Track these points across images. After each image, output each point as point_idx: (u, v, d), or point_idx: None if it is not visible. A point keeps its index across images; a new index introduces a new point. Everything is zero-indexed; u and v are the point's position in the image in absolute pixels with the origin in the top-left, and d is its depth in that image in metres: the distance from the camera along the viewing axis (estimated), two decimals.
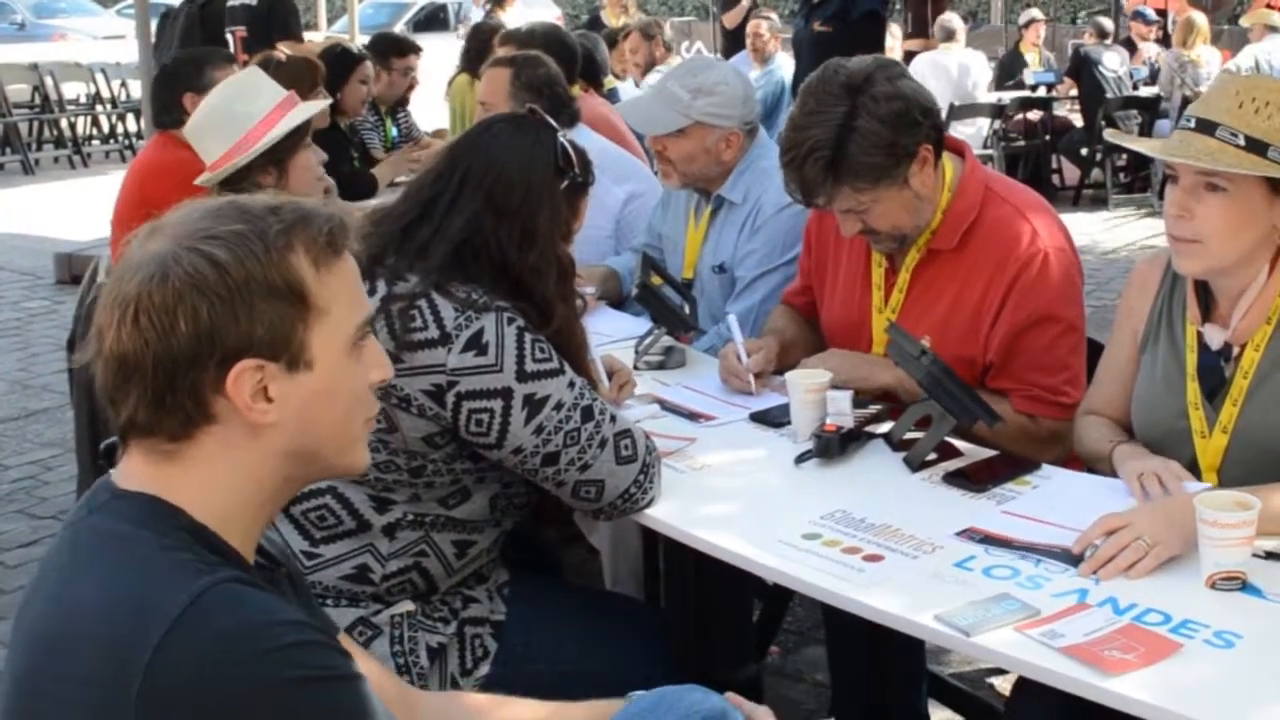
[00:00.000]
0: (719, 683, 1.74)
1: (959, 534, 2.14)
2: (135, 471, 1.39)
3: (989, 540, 2.11)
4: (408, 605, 2.27)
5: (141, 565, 1.31)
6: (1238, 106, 2.17)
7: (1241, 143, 2.15)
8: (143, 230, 1.39)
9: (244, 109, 3.34)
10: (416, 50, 6.63)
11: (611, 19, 10.56)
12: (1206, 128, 2.18)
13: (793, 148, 2.59)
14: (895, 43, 10.21)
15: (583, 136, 3.92)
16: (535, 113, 2.43)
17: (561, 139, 2.35)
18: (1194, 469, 2.29)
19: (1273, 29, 10.77)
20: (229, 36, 7.99)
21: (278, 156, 3.32)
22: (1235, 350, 2.31)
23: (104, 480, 1.42)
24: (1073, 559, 2.04)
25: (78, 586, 1.33)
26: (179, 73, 4.33)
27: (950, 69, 10.08)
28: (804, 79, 2.71)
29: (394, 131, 6.56)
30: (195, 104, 4.11)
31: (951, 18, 10.60)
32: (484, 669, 2.29)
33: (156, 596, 1.26)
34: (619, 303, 3.69)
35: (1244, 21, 11.75)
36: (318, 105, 3.63)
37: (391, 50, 6.48)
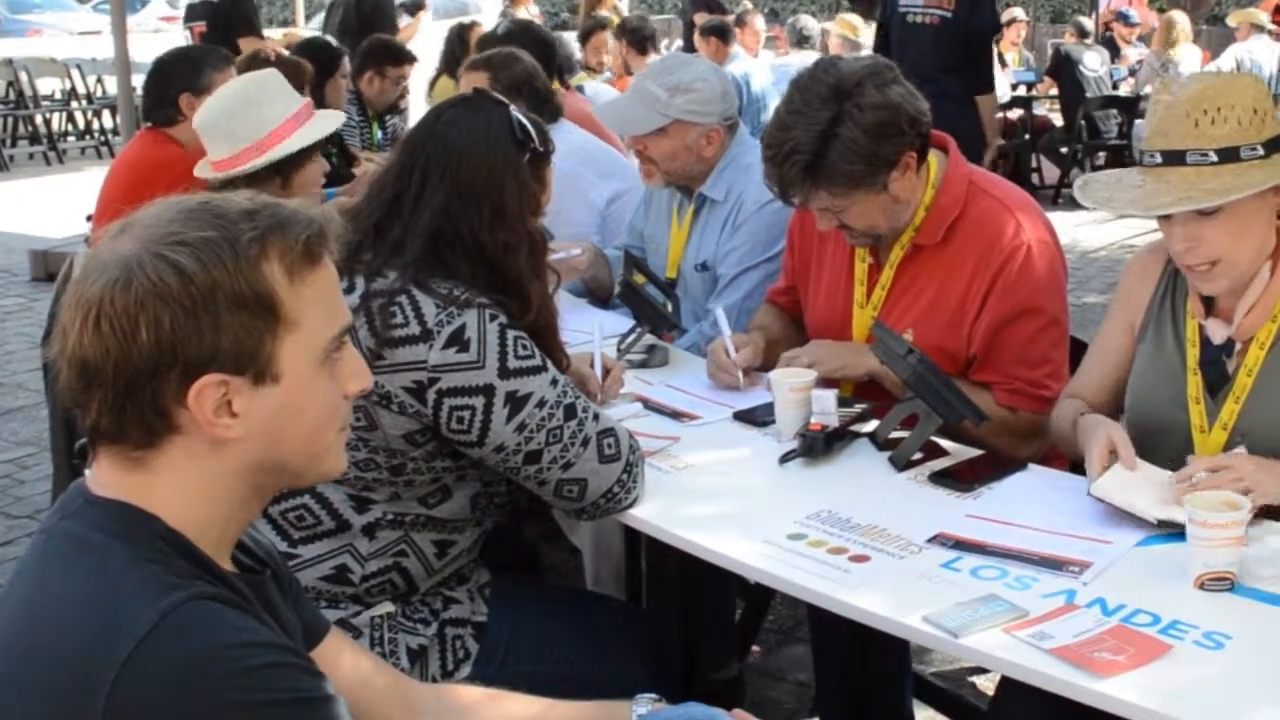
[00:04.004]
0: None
1: (929, 540, 2.11)
2: (107, 478, 1.35)
3: (961, 546, 2.09)
4: (387, 606, 2.24)
5: (111, 577, 1.27)
6: (1194, 126, 2.17)
7: (1214, 159, 2.15)
8: (113, 227, 1.34)
9: (257, 115, 3.28)
10: (412, 60, 6.65)
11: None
12: (1175, 158, 2.18)
13: (774, 145, 2.58)
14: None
15: (565, 132, 3.88)
16: (483, 91, 2.41)
17: (514, 112, 2.33)
18: None
19: (1258, 28, 10.81)
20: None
21: (285, 169, 3.27)
22: (1238, 346, 2.30)
23: (78, 484, 1.39)
24: (1044, 562, 2.02)
25: (47, 596, 1.29)
26: (176, 71, 4.21)
27: None
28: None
29: (379, 135, 6.53)
30: (192, 105, 4.02)
31: None
32: (465, 671, 2.26)
33: (125, 611, 1.23)
34: (606, 298, 3.61)
35: (1230, 20, 11.78)
36: (333, 122, 3.52)
37: (387, 58, 6.49)
